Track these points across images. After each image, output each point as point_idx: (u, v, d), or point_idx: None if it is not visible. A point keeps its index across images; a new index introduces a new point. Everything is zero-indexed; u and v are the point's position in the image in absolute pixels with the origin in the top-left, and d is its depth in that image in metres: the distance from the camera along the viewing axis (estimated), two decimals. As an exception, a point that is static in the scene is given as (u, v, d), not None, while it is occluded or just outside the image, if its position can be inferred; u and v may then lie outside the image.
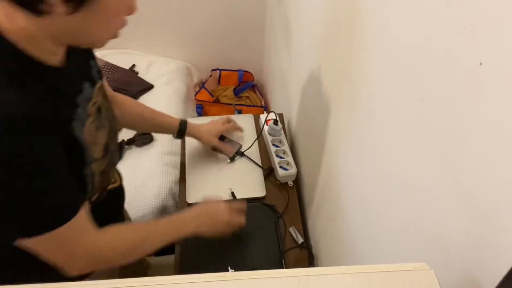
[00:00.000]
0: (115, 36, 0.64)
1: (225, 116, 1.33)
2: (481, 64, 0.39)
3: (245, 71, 2.11)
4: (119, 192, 0.95)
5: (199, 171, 1.26)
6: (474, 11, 0.40)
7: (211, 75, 2.12)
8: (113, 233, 0.76)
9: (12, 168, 0.57)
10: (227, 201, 0.99)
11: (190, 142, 1.34)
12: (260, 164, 1.29)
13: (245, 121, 1.41)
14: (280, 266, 1.08)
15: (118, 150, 0.86)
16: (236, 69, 2.11)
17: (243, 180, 1.26)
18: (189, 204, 1.19)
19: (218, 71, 2.11)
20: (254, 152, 1.32)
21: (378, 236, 0.70)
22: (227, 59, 2.08)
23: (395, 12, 0.57)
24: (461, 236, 0.45)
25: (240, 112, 2.02)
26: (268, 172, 1.28)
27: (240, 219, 0.98)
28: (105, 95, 0.78)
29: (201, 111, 2.01)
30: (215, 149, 1.30)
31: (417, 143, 0.54)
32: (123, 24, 0.63)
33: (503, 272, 0.38)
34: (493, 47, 0.38)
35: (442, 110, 0.47)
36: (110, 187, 0.88)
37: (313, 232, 1.18)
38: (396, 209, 0.63)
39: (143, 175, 1.41)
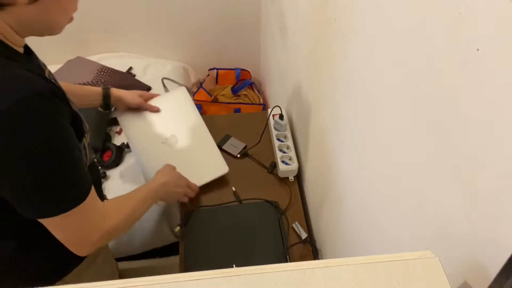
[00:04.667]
0: (71, 20, 0.70)
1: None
2: (478, 50, 0.39)
3: (242, 69, 2.11)
4: (96, 166, 0.98)
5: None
6: (468, -3, 0.40)
7: (208, 75, 2.11)
8: (114, 206, 0.80)
9: (40, 139, 0.60)
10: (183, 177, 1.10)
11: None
12: (261, 162, 1.30)
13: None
14: (285, 262, 1.09)
15: None
16: (233, 67, 2.11)
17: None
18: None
19: (215, 70, 2.10)
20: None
21: (381, 227, 0.70)
22: (224, 58, 2.08)
23: (391, 1, 0.57)
24: (464, 223, 0.46)
25: (238, 110, 2.02)
26: (271, 169, 1.29)
27: (192, 194, 1.13)
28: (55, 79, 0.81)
29: (200, 111, 2.01)
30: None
31: (416, 132, 0.54)
32: (76, 7, 0.69)
33: (507, 256, 0.38)
34: (488, 33, 0.38)
35: (440, 97, 0.47)
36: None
37: (316, 227, 1.18)
38: (397, 198, 0.63)
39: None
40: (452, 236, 0.49)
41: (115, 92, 1.18)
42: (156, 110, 1.27)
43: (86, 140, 0.78)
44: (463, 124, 0.44)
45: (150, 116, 1.28)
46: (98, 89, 1.14)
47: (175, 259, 1.15)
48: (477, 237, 0.44)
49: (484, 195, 0.42)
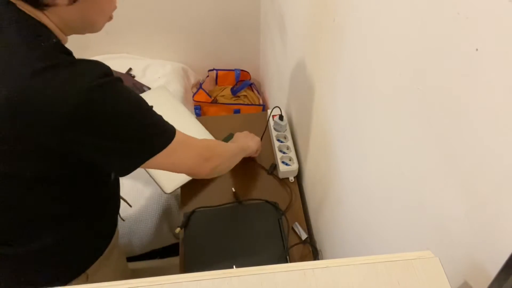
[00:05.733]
0: (110, 18, 0.75)
1: None
2: (477, 50, 0.39)
3: (242, 70, 2.11)
4: None
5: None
6: (467, -3, 0.40)
7: (208, 76, 2.11)
8: (207, 140, 0.91)
9: (131, 100, 0.68)
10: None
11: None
12: (261, 162, 1.30)
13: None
14: (285, 262, 1.08)
15: None
16: (233, 68, 2.11)
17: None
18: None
19: (214, 71, 2.10)
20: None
21: (381, 227, 0.70)
22: (223, 59, 2.08)
23: (389, 1, 0.57)
24: (463, 222, 0.46)
25: (238, 111, 2.02)
26: (271, 170, 1.29)
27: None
28: None
29: (199, 112, 2.01)
30: None
31: (416, 132, 0.54)
32: (115, 6, 0.74)
33: (507, 256, 0.38)
34: (488, 33, 0.38)
35: (440, 97, 0.47)
36: None
37: (316, 228, 1.18)
38: (397, 198, 0.63)
39: (145, 177, 1.41)
40: (452, 236, 0.49)
41: None
42: None
43: None
44: (462, 124, 0.44)
45: None
46: None
47: (175, 260, 1.15)
48: (477, 237, 0.44)
49: (484, 195, 0.42)
